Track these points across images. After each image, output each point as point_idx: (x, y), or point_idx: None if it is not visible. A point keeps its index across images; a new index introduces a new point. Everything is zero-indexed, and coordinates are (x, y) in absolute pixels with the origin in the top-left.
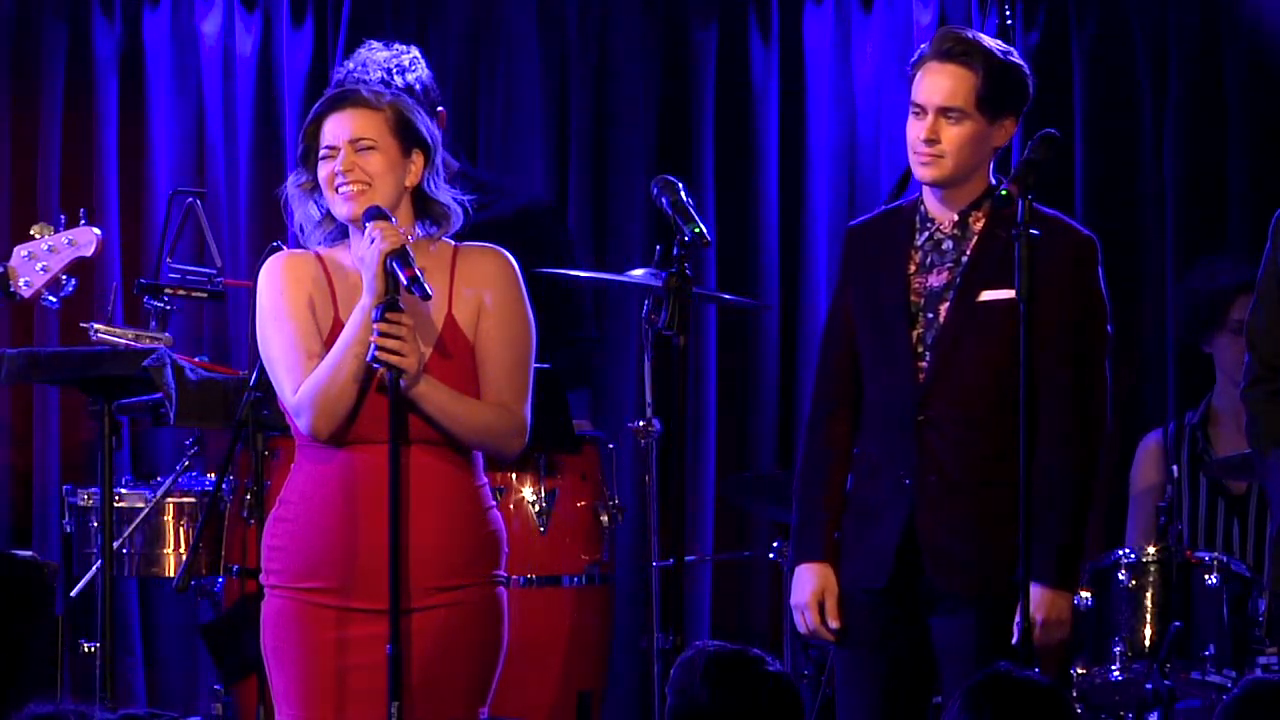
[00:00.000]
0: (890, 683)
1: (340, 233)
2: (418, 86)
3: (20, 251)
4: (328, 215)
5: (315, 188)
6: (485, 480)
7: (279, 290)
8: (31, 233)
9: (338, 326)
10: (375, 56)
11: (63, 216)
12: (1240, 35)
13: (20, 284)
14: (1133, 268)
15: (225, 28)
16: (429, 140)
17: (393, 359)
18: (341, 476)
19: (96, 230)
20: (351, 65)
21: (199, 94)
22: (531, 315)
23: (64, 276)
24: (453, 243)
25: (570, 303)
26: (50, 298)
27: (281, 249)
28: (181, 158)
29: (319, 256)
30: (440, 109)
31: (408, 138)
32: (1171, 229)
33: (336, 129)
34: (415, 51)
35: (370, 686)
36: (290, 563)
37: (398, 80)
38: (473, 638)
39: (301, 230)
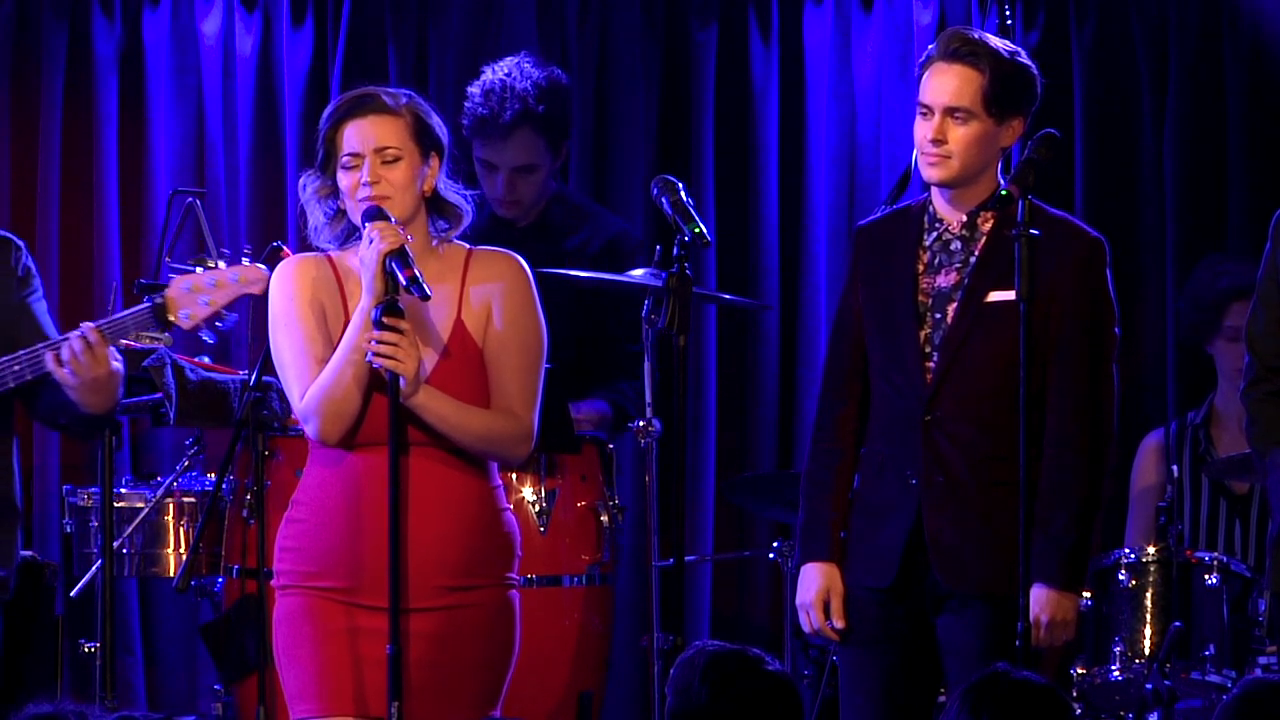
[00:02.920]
0: (894, 682)
1: (350, 232)
2: (556, 110)
3: (179, 282)
4: (336, 215)
5: (333, 193)
6: (500, 482)
7: (289, 295)
8: (190, 263)
9: None
10: (528, 70)
11: (227, 250)
12: (1240, 35)
13: (180, 315)
14: (1133, 268)
15: (225, 28)
16: (443, 141)
17: (389, 364)
18: (351, 478)
19: (263, 268)
20: (502, 74)
21: (199, 94)
22: (543, 321)
23: (225, 311)
24: (466, 245)
25: (624, 314)
26: (206, 333)
27: (282, 249)
28: (181, 158)
29: (330, 259)
30: (567, 144)
31: (426, 141)
32: (1171, 229)
33: (361, 136)
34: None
35: (379, 680)
36: (302, 563)
37: (536, 95)
38: (485, 640)
39: (315, 232)
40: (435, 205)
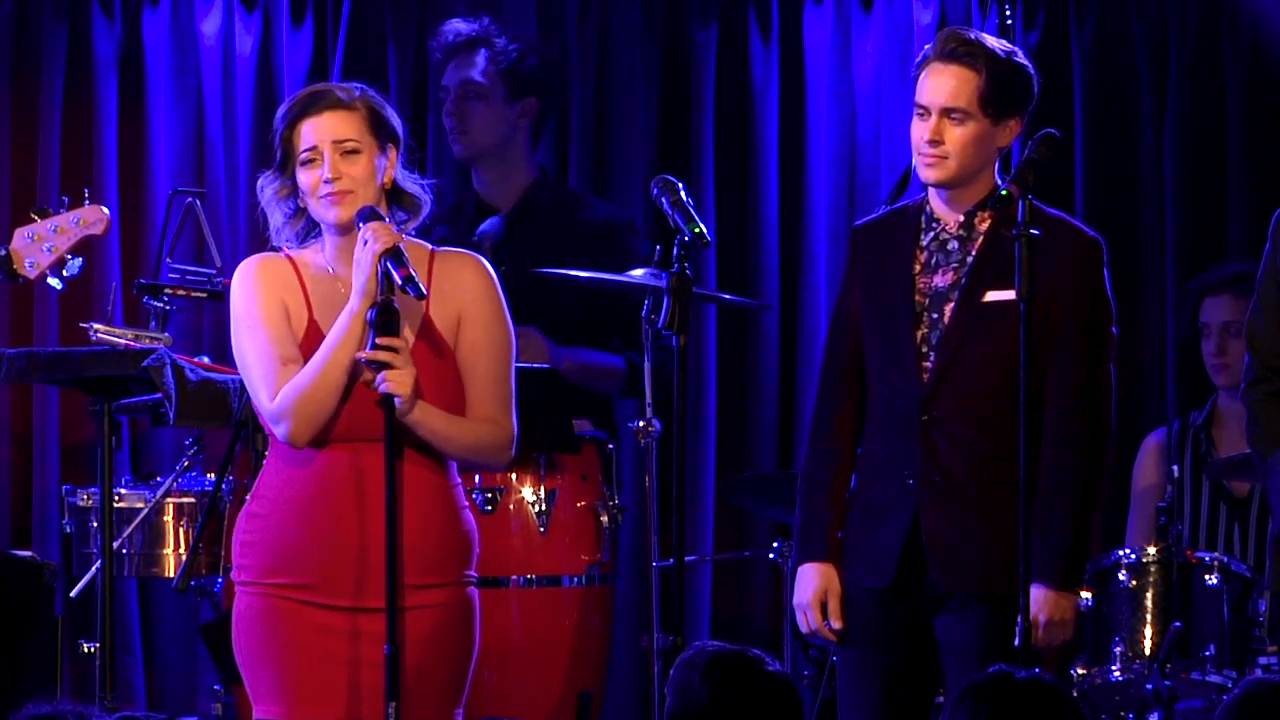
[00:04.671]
0: (892, 683)
1: (308, 230)
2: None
3: (23, 233)
4: (295, 214)
5: (292, 193)
6: (459, 481)
7: (250, 296)
8: (32, 215)
9: (312, 329)
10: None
11: (65, 198)
12: (1240, 35)
13: (25, 265)
14: (1133, 268)
15: (225, 28)
16: (399, 132)
17: (388, 387)
18: (315, 475)
19: (104, 209)
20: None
21: (199, 94)
22: (511, 323)
23: (70, 256)
24: (428, 245)
25: (629, 317)
26: (53, 280)
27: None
28: (181, 158)
29: (289, 258)
30: (531, 99)
31: (382, 133)
32: (1171, 229)
33: (318, 132)
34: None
35: (343, 680)
36: (263, 559)
37: (500, 31)
38: (449, 638)
39: (276, 233)
40: (394, 196)
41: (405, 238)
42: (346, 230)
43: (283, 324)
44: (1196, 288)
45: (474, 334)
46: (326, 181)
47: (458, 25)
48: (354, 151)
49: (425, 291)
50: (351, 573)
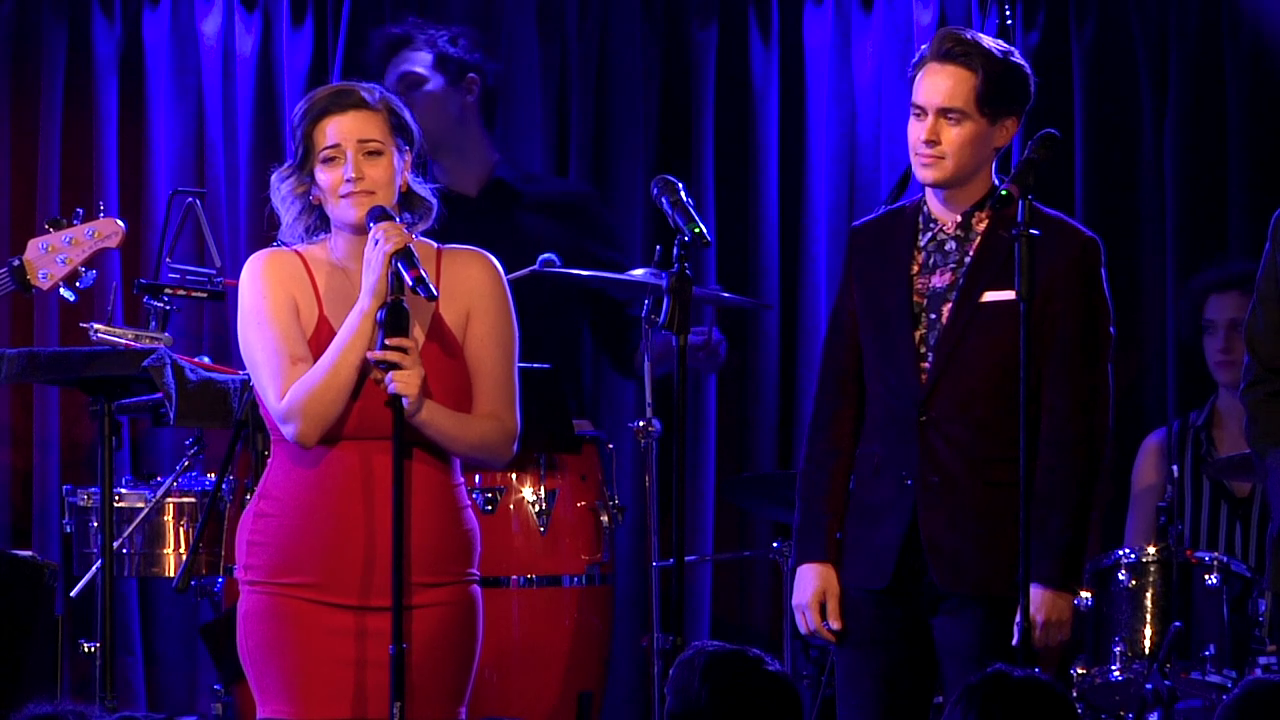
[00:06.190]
0: (891, 683)
1: (317, 226)
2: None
3: (36, 244)
4: (305, 209)
5: (308, 191)
6: (461, 480)
7: (260, 293)
8: (47, 226)
9: (323, 324)
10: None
11: (79, 210)
12: (1240, 35)
13: (39, 276)
14: (1133, 268)
15: (225, 28)
16: (415, 135)
17: (397, 388)
18: (324, 474)
19: (120, 221)
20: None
21: (199, 94)
22: (516, 320)
23: (83, 269)
24: (434, 243)
25: (632, 318)
26: (66, 291)
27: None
28: (181, 158)
29: (298, 253)
30: (471, 75)
31: (401, 136)
32: (1171, 229)
33: (342, 130)
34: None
35: (351, 680)
36: (272, 557)
37: (431, 24)
38: (454, 636)
39: (288, 229)
40: (405, 199)
41: (419, 237)
42: (362, 230)
43: (292, 321)
44: (1200, 285)
45: (480, 330)
46: (348, 180)
47: (385, 32)
48: (376, 153)
49: (436, 293)
50: (359, 572)
